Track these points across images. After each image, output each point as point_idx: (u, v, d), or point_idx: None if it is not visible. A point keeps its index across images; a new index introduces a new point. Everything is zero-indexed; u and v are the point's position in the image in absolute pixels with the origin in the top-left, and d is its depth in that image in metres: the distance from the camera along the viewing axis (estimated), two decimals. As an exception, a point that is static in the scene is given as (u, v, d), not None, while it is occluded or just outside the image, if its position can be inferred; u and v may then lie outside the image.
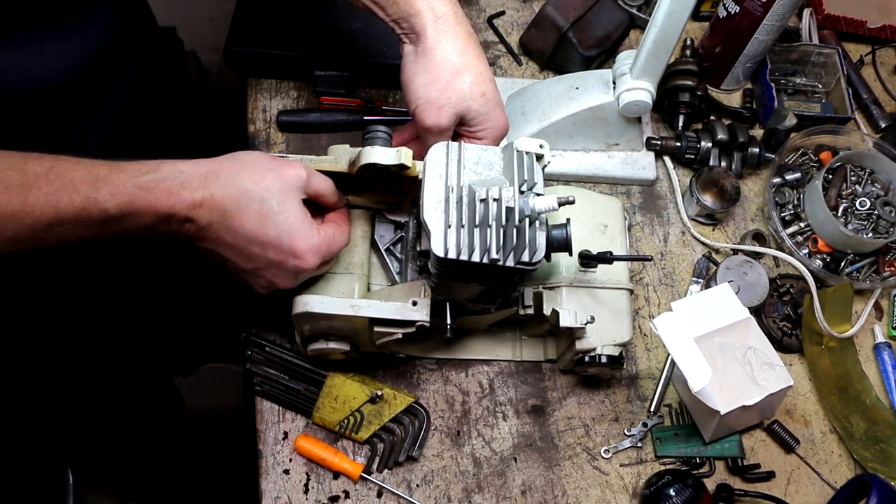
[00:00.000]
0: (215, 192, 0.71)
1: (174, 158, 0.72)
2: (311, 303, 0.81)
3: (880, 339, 1.08)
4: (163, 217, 0.69)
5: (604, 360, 0.90)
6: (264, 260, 0.75)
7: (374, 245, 0.90)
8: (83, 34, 0.85)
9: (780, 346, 1.05)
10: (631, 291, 0.95)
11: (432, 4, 0.82)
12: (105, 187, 0.66)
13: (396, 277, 0.89)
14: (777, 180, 1.15)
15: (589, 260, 0.90)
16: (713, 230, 1.15)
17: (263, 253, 0.74)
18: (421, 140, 0.86)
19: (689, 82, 1.15)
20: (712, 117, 1.21)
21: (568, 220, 0.81)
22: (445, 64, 0.82)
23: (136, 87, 1.00)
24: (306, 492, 0.90)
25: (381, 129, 0.83)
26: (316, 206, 0.81)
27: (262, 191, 0.72)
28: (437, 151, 0.80)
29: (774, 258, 1.11)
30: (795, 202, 1.14)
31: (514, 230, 0.75)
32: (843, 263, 1.10)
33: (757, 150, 1.14)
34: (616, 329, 0.91)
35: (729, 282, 1.01)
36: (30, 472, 1.47)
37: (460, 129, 0.87)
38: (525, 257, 0.75)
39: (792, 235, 1.11)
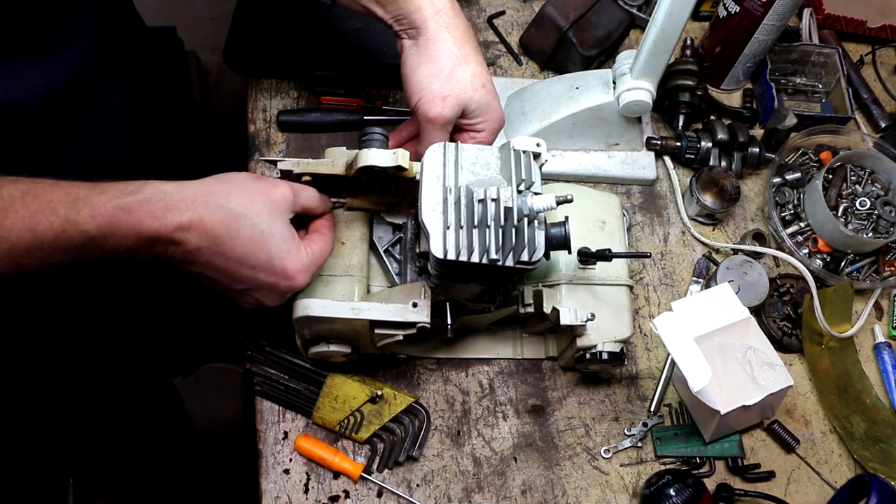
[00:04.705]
0: (204, 215, 0.69)
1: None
2: (311, 306, 0.81)
3: (880, 339, 1.08)
4: (146, 240, 0.67)
5: (605, 356, 0.90)
6: (255, 282, 0.74)
7: (372, 247, 0.90)
8: (60, 55, 0.83)
9: (780, 346, 1.05)
10: (630, 287, 0.94)
11: None
12: (85, 208, 0.64)
13: (396, 279, 0.89)
14: (777, 180, 1.14)
15: (588, 257, 0.90)
16: (713, 230, 1.15)
17: (254, 276, 0.74)
18: (422, 134, 0.86)
19: (689, 82, 1.15)
20: (712, 117, 1.21)
21: (566, 217, 0.81)
22: (447, 55, 0.82)
23: (129, 100, 0.99)
24: (306, 492, 0.90)
25: (378, 131, 0.83)
26: (302, 217, 0.81)
27: (251, 215, 0.72)
28: (434, 153, 0.80)
29: (774, 258, 1.11)
30: (795, 202, 1.14)
31: (513, 230, 0.75)
32: (843, 263, 1.10)
33: (757, 150, 1.14)
34: (616, 325, 0.91)
35: (729, 282, 1.01)
36: (30, 475, 1.47)
37: (460, 122, 0.86)
38: (524, 256, 0.75)
39: (792, 235, 1.11)
